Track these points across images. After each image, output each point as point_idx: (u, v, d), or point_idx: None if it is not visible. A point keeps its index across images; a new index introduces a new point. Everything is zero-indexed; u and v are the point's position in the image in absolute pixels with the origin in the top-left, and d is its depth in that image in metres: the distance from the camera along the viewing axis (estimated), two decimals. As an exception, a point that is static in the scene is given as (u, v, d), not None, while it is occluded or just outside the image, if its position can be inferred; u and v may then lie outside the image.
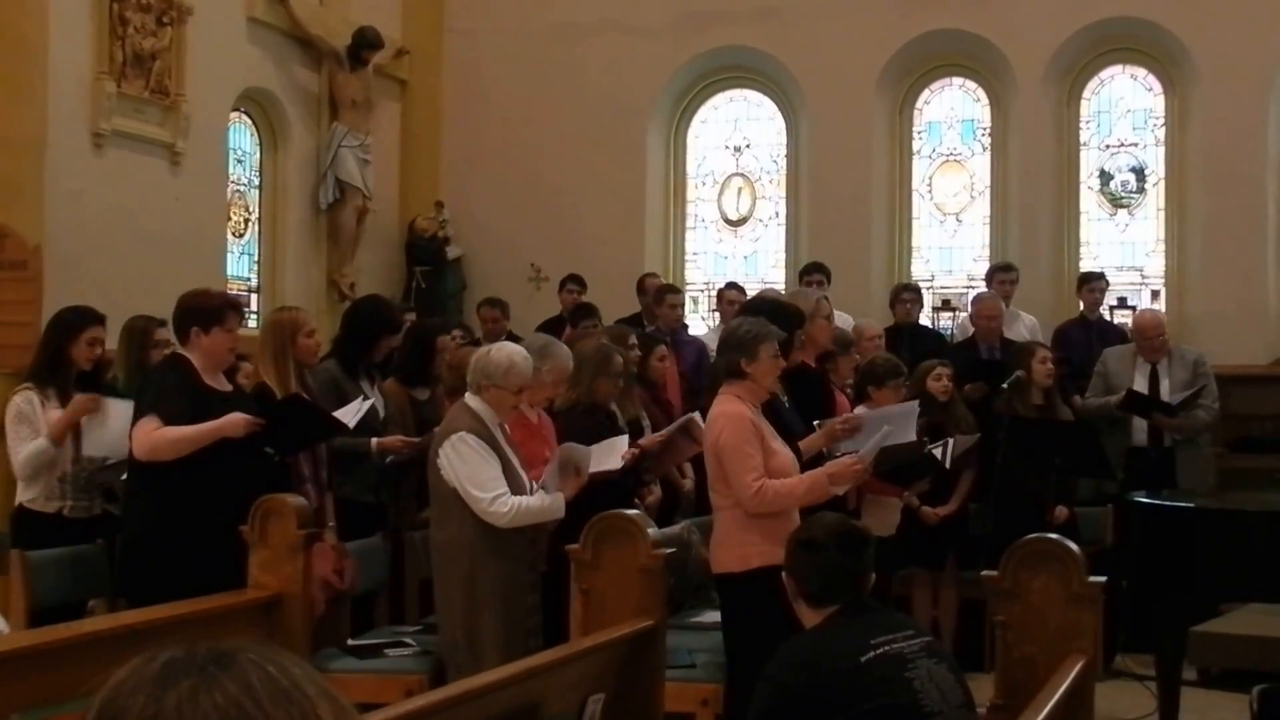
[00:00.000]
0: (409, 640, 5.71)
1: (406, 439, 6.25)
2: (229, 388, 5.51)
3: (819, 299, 6.78)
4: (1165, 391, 8.19)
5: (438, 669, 5.35)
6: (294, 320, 6.12)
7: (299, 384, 5.89)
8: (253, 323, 9.90)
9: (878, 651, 3.59)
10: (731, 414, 5.08)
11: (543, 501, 5.18)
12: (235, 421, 5.25)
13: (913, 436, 5.97)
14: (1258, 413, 8.87)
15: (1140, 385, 8.24)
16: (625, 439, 5.90)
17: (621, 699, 4.49)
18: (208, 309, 5.38)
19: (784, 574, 3.92)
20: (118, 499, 5.83)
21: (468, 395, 5.33)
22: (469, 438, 5.15)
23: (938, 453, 6.78)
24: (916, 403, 6.35)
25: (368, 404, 6.01)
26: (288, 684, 1.16)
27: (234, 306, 5.58)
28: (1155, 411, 8.15)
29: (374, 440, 6.17)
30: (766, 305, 6.13)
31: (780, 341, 5.25)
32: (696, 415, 5.91)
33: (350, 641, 5.72)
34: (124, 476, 5.68)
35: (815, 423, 5.82)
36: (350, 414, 5.79)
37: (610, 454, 5.63)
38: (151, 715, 1.12)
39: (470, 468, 5.13)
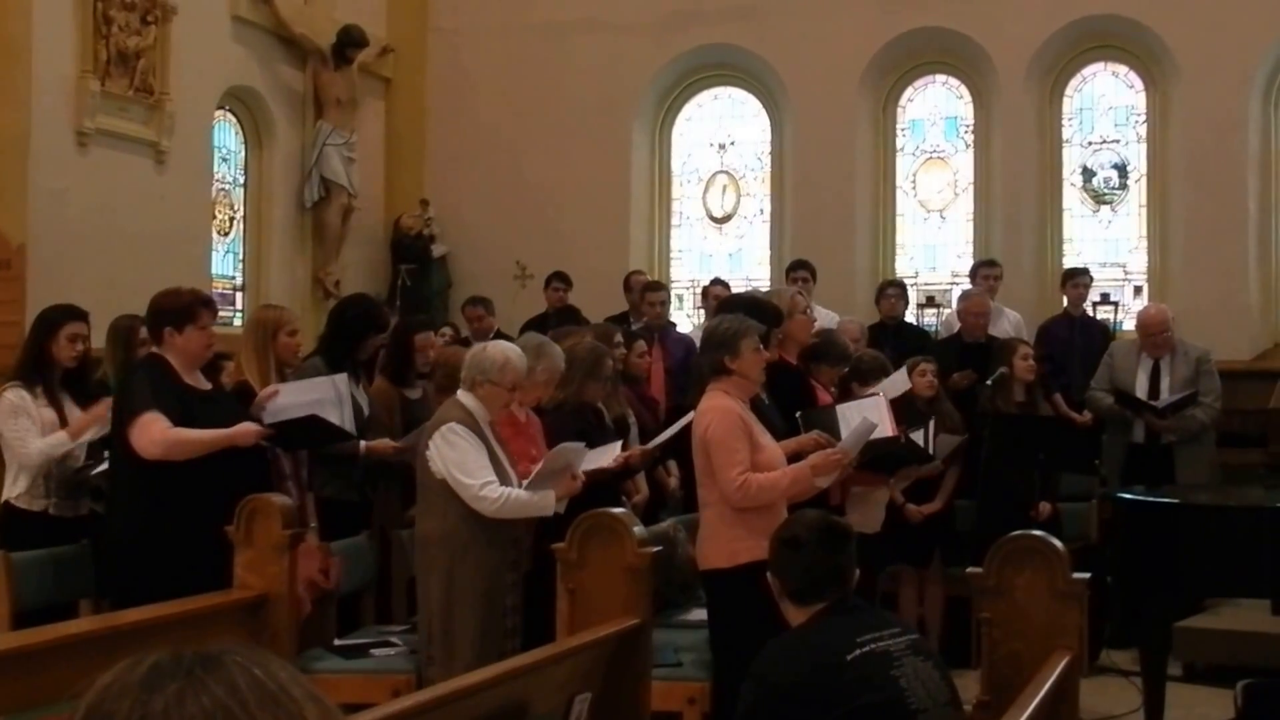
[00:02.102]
0: (395, 640, 5.68)
1: (397, 445, 6.20)
2: (208, 386, 5.48)
3: (794, 295, 6.77)
4: (1165, 389, 8.15)
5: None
6: (276, 319, 6.11)
7: (279, 382, 5.86)
8: (237, 321, 9.89)
9: (864, 649, 3.59)
10: (721, 408, 5.08)
11: (533, 495, 5.18)
12: (246, 432, 5.28)
13: (887, 426, 5.95)
14: (1240, 408, 8.89)
15: (1141, 380, 8.21)
16: (619, 445, 5.92)
17: (608, 698, 4.49)
18: (178, 308, 5.33)
19: (769, 573, 3.92)
20: (104, 498, 5.79)
21: (460, 392, 5.34)
22: (458, 428, 5.17)
23: (918, 439, 6.79)
24: (881, 395, 6.37)
25: (322, 379, 5.96)
26: (274, 687, 1.16)
27: (206, 303, 5.48)
28: (1146, 413, 8.16)
29: (362, 444, 6.14)
30: (744, 303, 6.14)
31: (759, 336, 5.26)
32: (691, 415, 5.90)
33: (336, 641, 5.70)
34: (106, 473, 5.66)
35: (798, 414, 5.83)
36: (326, 397, 5.77)
37: (603, 457, 5.66)
38: (138, 719, 1.12)
39: (459, 455, 5.14)
